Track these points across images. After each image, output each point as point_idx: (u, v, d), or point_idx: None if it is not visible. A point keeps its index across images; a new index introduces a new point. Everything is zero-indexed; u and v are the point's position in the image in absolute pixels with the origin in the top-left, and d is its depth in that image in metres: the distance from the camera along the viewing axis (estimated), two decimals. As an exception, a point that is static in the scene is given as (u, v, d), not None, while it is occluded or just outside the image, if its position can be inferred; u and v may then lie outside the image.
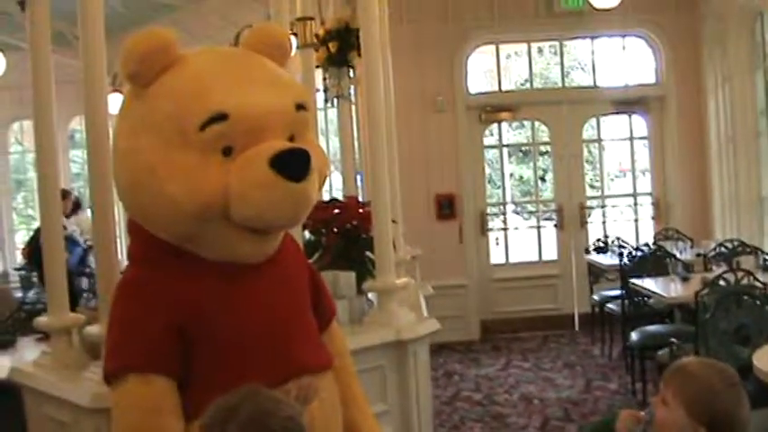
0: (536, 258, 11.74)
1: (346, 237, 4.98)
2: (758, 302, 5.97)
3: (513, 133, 13.81)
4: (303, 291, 2.99)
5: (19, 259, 13.06)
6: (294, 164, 2.60)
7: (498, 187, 12.56)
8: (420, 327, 4.65)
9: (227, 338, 2.68)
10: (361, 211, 5.04)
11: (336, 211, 5.06)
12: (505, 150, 13.01)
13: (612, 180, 13.85)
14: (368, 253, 4.89)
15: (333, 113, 9.14)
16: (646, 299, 8.17)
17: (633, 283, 7.92)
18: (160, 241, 2.71)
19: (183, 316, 2.65)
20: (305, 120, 2.84)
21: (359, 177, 7.71)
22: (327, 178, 3.08)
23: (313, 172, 2.66)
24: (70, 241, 9.93)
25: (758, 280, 6.30)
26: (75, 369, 3.81)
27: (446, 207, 10.99)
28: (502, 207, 12.09)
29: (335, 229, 4.98)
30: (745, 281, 6.26)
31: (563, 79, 12.47)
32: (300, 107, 2.79)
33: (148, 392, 2.60)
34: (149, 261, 2.76)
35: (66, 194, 10.23)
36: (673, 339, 6.41)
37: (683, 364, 2.80)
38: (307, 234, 5.00)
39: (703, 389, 2.65)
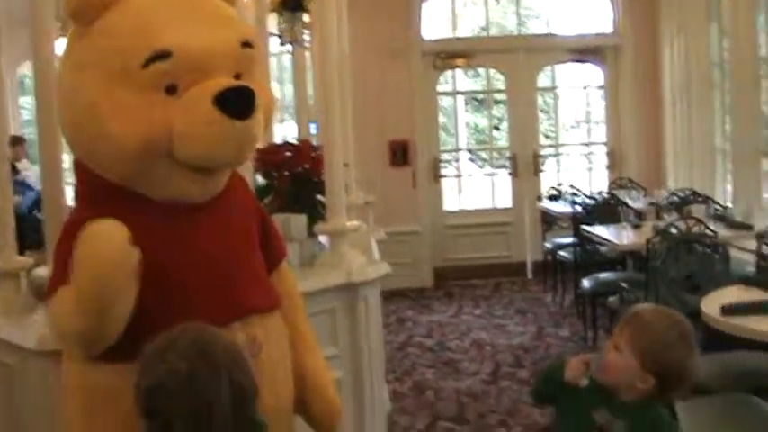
0: (489, 206, 11.74)
1: (298, 180, 4.94)
2: (708, 250, 6.02)
3: (468, 81, 13.73)
4: (251, 231, 2.95)
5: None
6: (238, 102, 2.56)
7: (453, 135, 12.54)
8: (371, 269, 4.63)
9: (174, 278, 2.63)
10: (313, 154, 5.00)
11: (288, 154, 5.02)
12: (460, 99, 12.99)
13: (567, 131, 13.85)
14: (319, 196, 4.86)
15: (288, 60, 9.04)
16: (598, 246, 8.21)
17: (585, 231, 7.96)
18: (105, 181, 2.66)
19: None
20: (251, 57, 2.79)
21: (313, 126, 7.63)
22: (273, 117, 3.05)
23: (258, 110, 2.62)
24: (23, 186, 9.81)
25: (709, 228, 6.36)
26: (22, 312, 3.75)
27: (400, 153, 10.96)
28: (456, 154, 12.06)
29: (287, 173, 4.93)
30: (695, 229, 6.31)
31: (519, 27, 12.44)
32: (246, 45, 2.73)
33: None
34: (95, 202, 2.70)
35: (17, 141, 10.11)
36: (623, 284, 6.45)
37: (639, 311, 2.80)
38: (259, 178, 4.96)
39: (657, 340, 2.65)
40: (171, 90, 2.56)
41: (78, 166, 2.76)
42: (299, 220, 4.59)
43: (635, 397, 2.68)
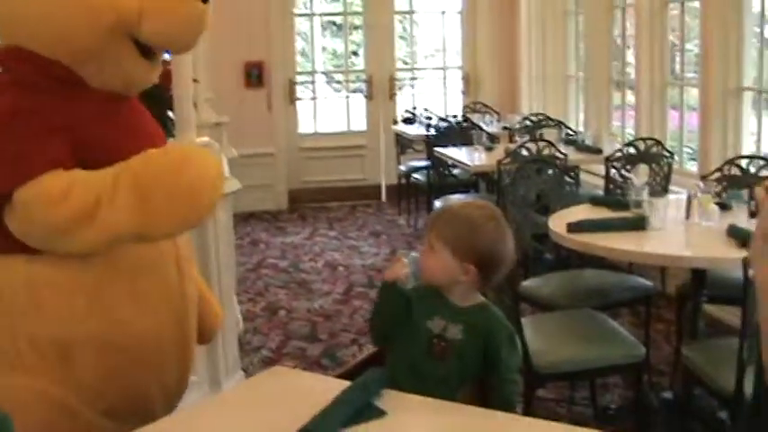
0: (344, 129, 11.72)
1: (147, 95, 4.80)
2: (558, 172, 6.10)
3: (325, 5, 13.59)
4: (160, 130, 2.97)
5: None
6: None
7: (309, 59, 12.41)
8: (221, 186, 4.55)
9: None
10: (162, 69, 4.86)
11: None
12: (318, 22, 12.84)
13: (426, 58, 13.85)
14: (170, 113, 4.75)
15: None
16: (451, 169, 8.27)
17: (438, 153, 7.99)
18: (48, 65, 2.54)
19: (74, 141, 2.48)
20: None
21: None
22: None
23: None
24: None
25: (559, 151, 6.44)
26: None
27: (254, 75, 10.80)
28: (311, 76, 11.96)
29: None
30: (546, 151, 6.38)
31: (377, -51, 12.31)
32: None
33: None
34: (31, 86, 2.56)
35: None
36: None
37: (444, 207, 2.83)
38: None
39: (464, 225, 2.64)
40: None
41: (9, 53, 2.62)
42: (146, 135, 4.46)
43: (464, 294, 2.69)
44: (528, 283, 4.99)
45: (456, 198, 7.59)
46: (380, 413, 2.20)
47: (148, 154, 2.47)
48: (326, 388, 2.25)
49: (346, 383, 2.28)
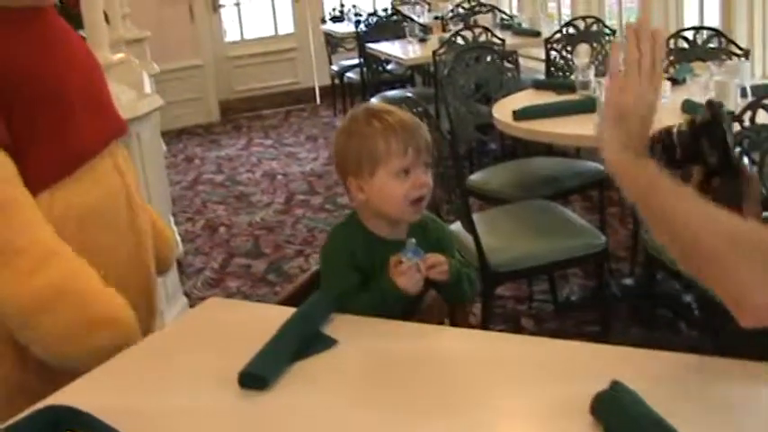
0: (272, 33, 11.34)
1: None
2: (496, 58, 5.85)
3: None
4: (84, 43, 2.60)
5: None
6: None
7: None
8: (141, 104, 4.27)
9: (51, 92, 2.20)
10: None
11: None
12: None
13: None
14: (81, 32, 4.43)
15: None
16: (384, 64, 8.02)
17: (370, 49, 7.71)
18: None
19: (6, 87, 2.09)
20: None
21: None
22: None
23: None
24: None
25: (496, 36, 6.21)
26: None
27: (174, -15, 10.36)
28: (234, -19, 11.52)
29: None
30: (482, 38, 6.16)
31: None
32: None
33: None
34: None
35: None
36: (409, 95, 6.26)
37: (406, 118, 2.29)
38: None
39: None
40: None
41: None
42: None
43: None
44: (475, 177, 4.77)
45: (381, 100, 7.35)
46: (331, 342, 1.95)
47: (83, 276, 2.12)
48: (268, 317, 2.00)
49: (290, 310, 2.03)
